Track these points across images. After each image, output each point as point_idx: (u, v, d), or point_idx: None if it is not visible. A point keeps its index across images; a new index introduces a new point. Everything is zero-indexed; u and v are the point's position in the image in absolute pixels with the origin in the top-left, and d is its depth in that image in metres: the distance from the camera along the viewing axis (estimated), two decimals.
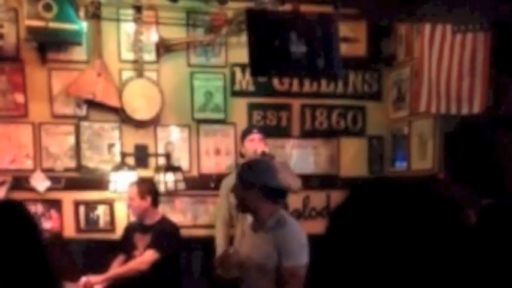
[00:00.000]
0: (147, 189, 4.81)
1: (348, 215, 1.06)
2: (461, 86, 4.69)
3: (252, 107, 5.77)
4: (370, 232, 1.00)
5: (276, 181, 3.47)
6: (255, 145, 4.92)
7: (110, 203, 5.51)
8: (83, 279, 4.58)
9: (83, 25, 5.19)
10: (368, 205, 1.04)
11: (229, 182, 5.02)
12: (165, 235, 4.71)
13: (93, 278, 4.61)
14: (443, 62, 4.81)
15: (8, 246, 1.32)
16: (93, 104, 5.40)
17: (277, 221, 3.41)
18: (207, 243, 5.24)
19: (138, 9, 5.34)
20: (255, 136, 4.99)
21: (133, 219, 5.07)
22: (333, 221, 1.09)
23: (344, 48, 5.37)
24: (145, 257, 4.63)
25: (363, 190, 1.10)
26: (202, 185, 5.52)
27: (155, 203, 4.84)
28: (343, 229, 1.05)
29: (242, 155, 5.09)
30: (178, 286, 4.88)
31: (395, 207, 1.01)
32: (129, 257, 4.76)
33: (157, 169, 5.38)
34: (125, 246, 4.86)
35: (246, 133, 5.09)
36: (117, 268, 4.76)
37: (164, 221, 4.87)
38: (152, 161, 5.56)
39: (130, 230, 4.92)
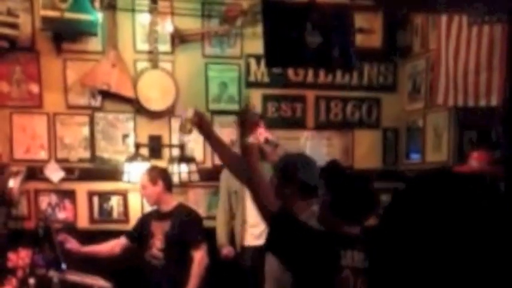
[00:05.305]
0: (158, 174, 4.76)
1: (405, 208, 1.04)
2: (478, 79, 4.64)
3: (266, 98, 5.76)
4: (428, 224, 0.99)
5: (315, 179, 3.15)
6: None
7: (123, 194, 5.52)
8: None
9: (98, 16, 5.20)
10: (427, 198, 1.02)
11: (228, 173, 4.99)
12: (193, 227, 4.66)
13: None
14: (460, 54, 4.77)
15: None
16: (108, 95, 5.41)
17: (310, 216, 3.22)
18: None
19: None
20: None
21: (147, 210, 5.06)
22: (390, 214, 1.07)
23: (359, 40, 5.35)
24: (198, 257, 4.58)
25: (420, 183, 1.08)
26: (216, 176, 5.45)
27: (168, 187, 4.77)
28: (400, 222, 1.03)
29: None
30: None
31: (456, 201, 0.99)
32: (147, 246, 4.68)
33: (171, 160, 5.39)
34: (142, 235, 4.78)
35: None
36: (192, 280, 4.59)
37: (183, 207, 4.81)
38: (166, 152, 5.57)
39: (146, 218, 4.86)
